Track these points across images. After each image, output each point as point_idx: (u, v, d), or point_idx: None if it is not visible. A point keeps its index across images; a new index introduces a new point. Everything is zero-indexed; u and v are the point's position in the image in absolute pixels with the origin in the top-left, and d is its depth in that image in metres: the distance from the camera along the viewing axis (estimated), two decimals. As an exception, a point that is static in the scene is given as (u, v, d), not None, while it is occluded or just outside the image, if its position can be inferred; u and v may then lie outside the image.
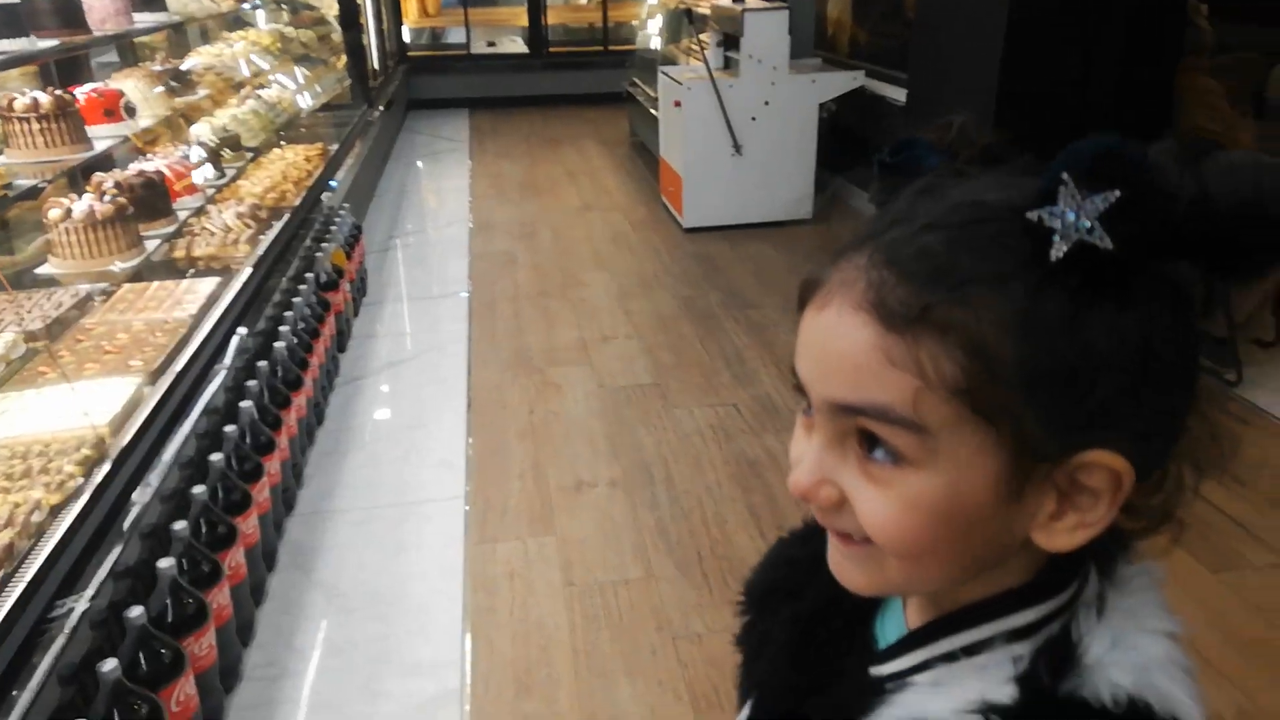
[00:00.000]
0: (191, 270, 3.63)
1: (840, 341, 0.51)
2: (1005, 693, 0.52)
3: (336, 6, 6.93)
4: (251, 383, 2.86)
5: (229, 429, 2.57)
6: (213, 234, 3.86)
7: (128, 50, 4.41)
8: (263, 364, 2.97)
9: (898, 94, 5.39)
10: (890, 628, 0.64)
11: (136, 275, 3.08)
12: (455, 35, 10.50)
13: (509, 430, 3.42)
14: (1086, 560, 0.55)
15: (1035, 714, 0.51)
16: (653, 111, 6.82)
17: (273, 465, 2.77)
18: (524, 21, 10.08)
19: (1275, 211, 0.49)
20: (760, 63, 5.45)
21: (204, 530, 2.26)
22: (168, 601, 1.98)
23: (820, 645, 0.66)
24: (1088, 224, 0.46)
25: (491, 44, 10.43)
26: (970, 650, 0.55)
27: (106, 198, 2.76)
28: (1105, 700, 0.50)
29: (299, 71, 5.98)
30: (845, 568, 0.57)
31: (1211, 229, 0.48)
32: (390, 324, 4.48)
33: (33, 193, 2.47)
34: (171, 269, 3.66)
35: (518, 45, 10.30)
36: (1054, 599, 0.54)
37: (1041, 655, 0.53)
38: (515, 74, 9.97)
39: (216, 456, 2.43)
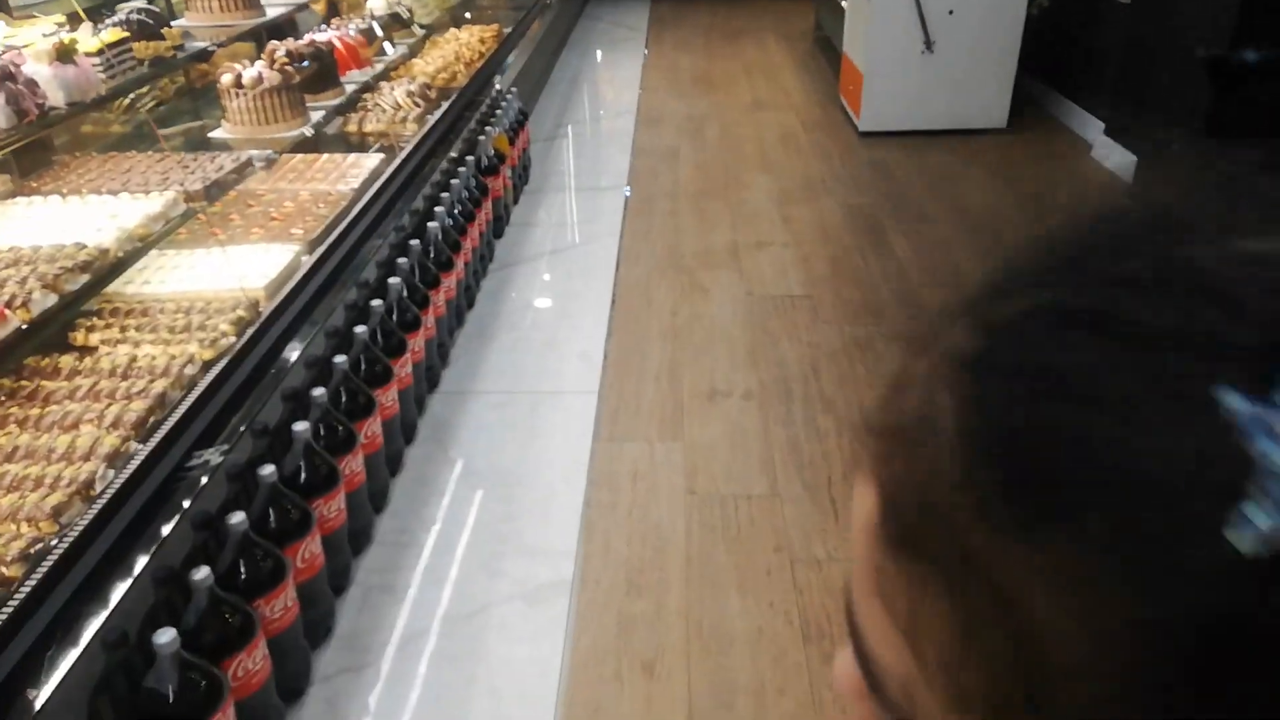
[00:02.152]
0: (362, 145, 3.71)
1: (856, 513, 0.30)
2: None
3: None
4: (402, 260, 2.90)
5: (376, 303, 2.62)
6: (383, 110, 3.92)
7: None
8: (415, 243, 3.01)
9: (1122, -10, 4.76)
10: None
11: (304, 144, 3.17)
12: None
13: (650, 329, 3.36)
14: None
15: None
16: (842, 3, 6.37)
17: (417, 342, 2.82)
18: (715, -97, 9.58)
19: None
20: (965, -50, 4.94)
21: (343, 399, 2.33)
22: (300, 464, 2.06)
23: None
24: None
25: (680, -73, 10.00)
26: None
27: (276, 66, 2.81)
28: None
29: (480, -51, 5.92)
30: None
31: None
32: (548, 214, 4.47)
33: (202, 56, 2.53)
34: (343, 142, 3.75)
35: (707, -71, 9.83)
36: None
37: None
38: (701, -40, 9.55)
39: (361, 329, 2.48)
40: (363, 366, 2.47)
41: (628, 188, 4.70)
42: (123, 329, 2.32)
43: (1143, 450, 0.23)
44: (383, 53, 3.97)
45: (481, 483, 2.62)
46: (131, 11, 2.36)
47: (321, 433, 2.18)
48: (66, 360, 2.18)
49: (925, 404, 0.27)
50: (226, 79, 2.75)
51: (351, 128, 3.82)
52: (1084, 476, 0.23)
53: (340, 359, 2.33)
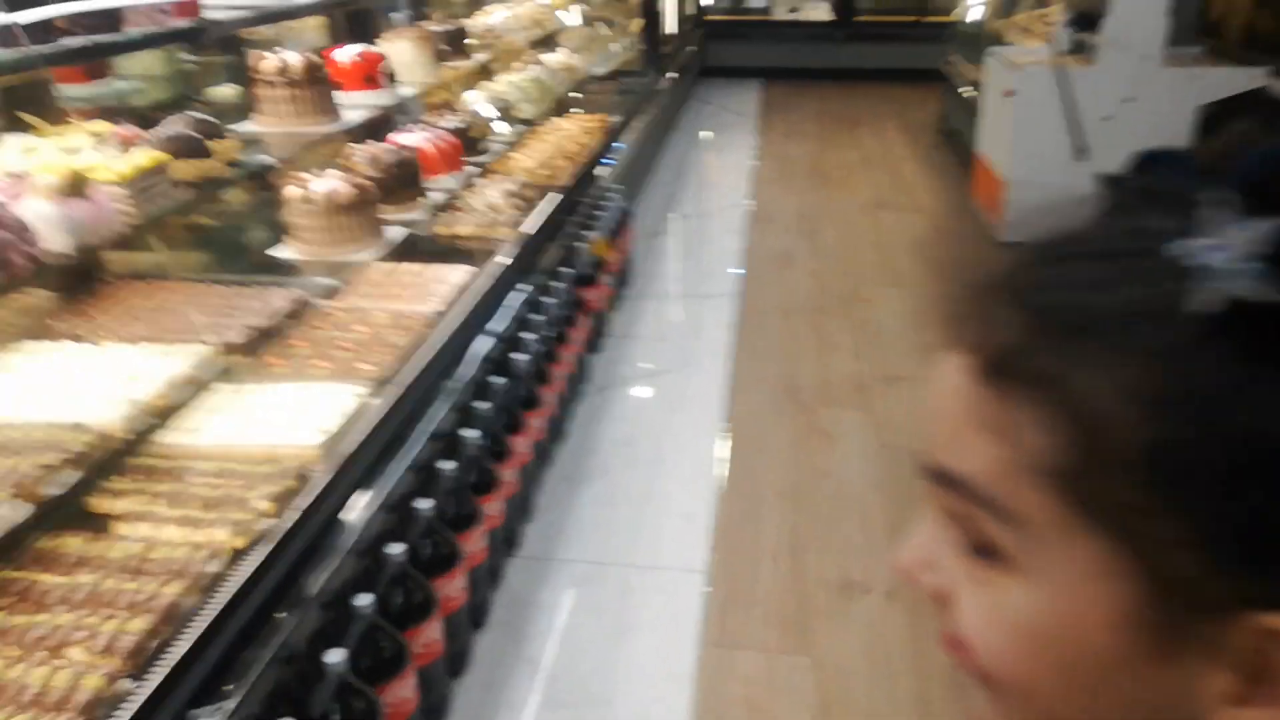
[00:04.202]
0: (451, 249, 3.36)
1: (940, 387, 0.43)
2: None
3: (637, -34, 6.56)
4: (482, 405, 2.48)
5: (445, 466, 2.19)
6: (477, 211, 3.58)
7: (422, 3, 4.22)
8: (498, 380, 2.59)
9: (1319, 96, 4.15)
10: None
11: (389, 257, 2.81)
12: (756, -1, 9.91)
13: (766, 485, 2.85)
14: None
15: None
16: (970, 96, 5.89)
17: (493, 507, 2.38)
18: (832, -14, 9.28)
19: None
20: (1126, 50, 4.41)
21: (397, 601, 1.89)
22: (332, 706, 1.61)
23: None
24: (1236, 264, 0.34)
25: (794, 10, 9.72)
26: None
27: (351, 179, 2.46)
28: None
29: (589, 35, 5.66)
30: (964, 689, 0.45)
31: None
32: (650, 324, 4.04)
33: (260, 174, 2.19)
34: (431, 244, 3.40)
35: (822, 12, 9.52)
36: None
37: None
38: (816, 44, 9.22)
39: (425, 504, 2.05)
40: (425, 552, 2.03)
41: (738, 296, 4.25)
42: (152, 496, 1.93)
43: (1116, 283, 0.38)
44: (480, 151, 3.63)
45: (561, 695, 2.12)
46: (182, 122, 2.03)
47: (361, 656, 1.73)
48: (74, 543, 1.79)
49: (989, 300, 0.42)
50: (293, 191, 2.40)
51: (441, 229, 3.48)
52: (1096, 310, 0.38)
53: (397, 550, 1.89)
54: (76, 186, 1.52)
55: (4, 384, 1.79)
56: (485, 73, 4.22)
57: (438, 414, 2.41)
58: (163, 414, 1.74)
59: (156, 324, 2.01)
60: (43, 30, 1.81)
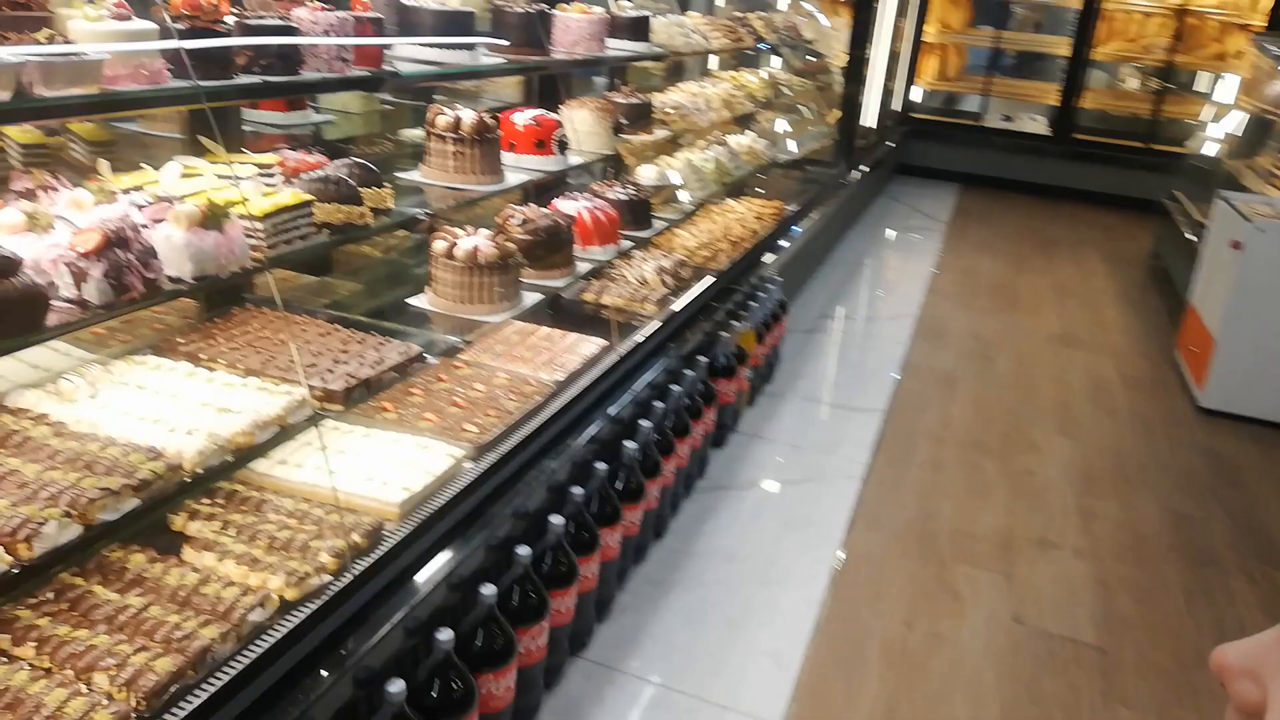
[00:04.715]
0: (595, 317, 3.30)
1: None
2: None
3: (844, 57, 6.44)
4: (577, 490, 2.35)
5: (521, 551, 2.07)
6: (627, 283, 3.51)
7: (620, 72, 4.27)
8: (600, 466, 2.46)
9: None
10: None
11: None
12: (970, 103, 9.59)
13: (871, 641, 2.57)
14: None
15: None
16: (1191, 237, 5.39)
17: (565, 602, 2.24)
18: (1053, 100, 8.84)
19: None
20: (1386, 214, 3.88)
21: (434, 692, 1.77)
22: (332, 802, 1.49)
23: None
24: None
25: (1008, 119, 9.33)
26: None
27: (499, 239, 2.42)
28: None
29: (782, 121, 5.57)
30: None
31: None
32: (783, 429, 3.82)
33: (410, 223, 2.18)
34: (577, 308, 3.36)
35: (1038, 125, 9.08)
36: None
37: None
38: (1026, 155, 8.78)
39: (489, 590, 1.93)
40: (478, 642, 1.91)
41: (886, 414, 3.97)
42: (224, 525, 1.91)
43: None
44: (644, 225, 3.57)
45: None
46: (344, 166, 2.04)
47: (382, 750, 1.61)
48: (139, 560, 1.79)
49: None
50: (439, 245, 2.39)
51: (589, 295, 3.43)
52: None
53: (445, 636, 1.78)
54: (213, 219, 1.52)
55: (110, 394, 1.83)
56: (670, 145, 4.19)
57: (529, 490, 2.31)
58: (240, 453, 1.70)
59: (270, 358, 2.02)
60: (221, 62, 1.87)
